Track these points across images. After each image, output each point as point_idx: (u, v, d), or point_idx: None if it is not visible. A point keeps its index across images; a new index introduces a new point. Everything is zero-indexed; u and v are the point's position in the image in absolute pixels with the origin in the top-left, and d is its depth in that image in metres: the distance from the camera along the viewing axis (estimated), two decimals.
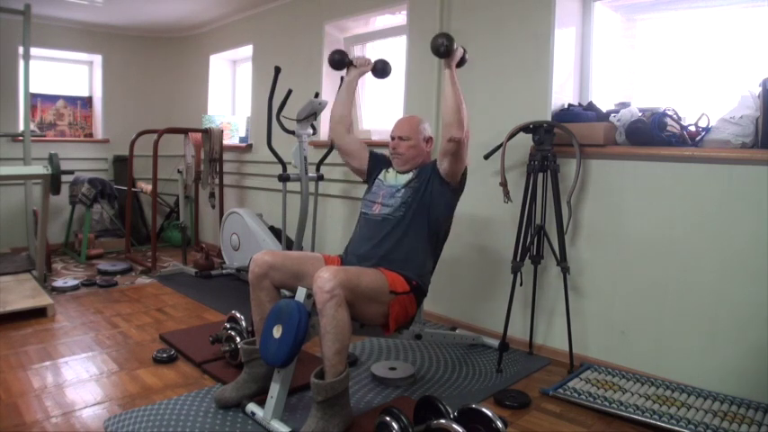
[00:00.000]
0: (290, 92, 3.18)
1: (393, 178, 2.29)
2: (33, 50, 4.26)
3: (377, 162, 2.39)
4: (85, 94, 5.43)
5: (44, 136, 4.98)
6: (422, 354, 2.64)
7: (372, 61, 2.47)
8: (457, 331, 2.73)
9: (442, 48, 2.03)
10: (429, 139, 2.31)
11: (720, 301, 2.16)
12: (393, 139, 2.29)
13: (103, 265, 4.26)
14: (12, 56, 4.62)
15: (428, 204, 2.16)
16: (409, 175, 2.24)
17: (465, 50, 2.16)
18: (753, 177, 2.07)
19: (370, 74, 2.52)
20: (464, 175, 2.21)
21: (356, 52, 3.90)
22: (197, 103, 5.25)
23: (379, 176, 2.34)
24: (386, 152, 2.39)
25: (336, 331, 1.76)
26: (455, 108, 2.05)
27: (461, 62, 2.17)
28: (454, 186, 2.19)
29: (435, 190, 2.17)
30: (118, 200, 4.84)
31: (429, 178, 2.19)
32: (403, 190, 2.19)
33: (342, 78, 3.49)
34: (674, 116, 2.34)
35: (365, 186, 2.45)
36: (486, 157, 2.63)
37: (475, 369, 2.47)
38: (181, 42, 5.45)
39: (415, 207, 2.15)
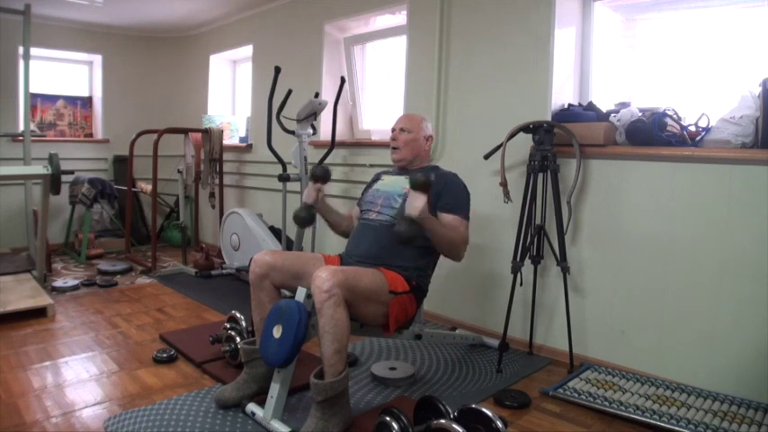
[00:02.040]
0: (289, 92, 3.19)
1: (388, 185, 2.29)
2: (33, 50, 4.27)
3: (367, 189, 2.41)
4: (85, 94, 5.43)
5: (44, 136, 4.98)
6: (422, 354, 2.64)
7: (316, 185, 2.23)
8: (457, 331, 2.73)
9: (405, 235, 1.86)
10: (429, 138, 2.33)
11: (720, 301, 2.16)
12: (393, 131, 2.31)
13: (103, 265, 4.26)
14: (12, 56, 4.62)
15: (415, 235, 2.14)
16: (406, 184, 2.22)
17: (424, 177, 1.91)
18: (753, 177, 2.07)
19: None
20: None
21: (356, 52, 3.90)
22: (197, 103, 5.25)
23: (374, 186, 2.36)
24: (387, 152, 2.39)
25: (335, 331, 1.76)
26: (447, 251, 2.11)
27: (425, 185, 1.91)
28: None
29: (432, 214, 2.16)
30: (118, 200, 4.85)
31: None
32: (400, 200, 2.19)
33: (342, 78, 3.52)
34: (674, 116, 2.34)
35: (364, 187, 2.47)
36: (486, 157, 2.63)
37: (475, 369, 2.47)
38: (181, 42, 5.45)
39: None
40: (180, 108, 5.42)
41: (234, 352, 2.35)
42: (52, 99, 5.20)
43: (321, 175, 2.22)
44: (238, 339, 2.34)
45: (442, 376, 2.39)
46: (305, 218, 2.20)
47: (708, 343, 2.20)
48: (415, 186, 1.91)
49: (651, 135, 2.28)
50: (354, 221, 2.39)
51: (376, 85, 3.90)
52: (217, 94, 5.19)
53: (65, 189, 4.33)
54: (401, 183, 2.25)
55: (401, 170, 2.33)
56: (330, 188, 3.75)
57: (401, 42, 3.40)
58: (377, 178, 2.43)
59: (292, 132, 3.24)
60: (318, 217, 2.32)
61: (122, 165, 5.15)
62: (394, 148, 2.30)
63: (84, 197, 4.56)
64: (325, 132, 3.74)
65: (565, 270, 2.43)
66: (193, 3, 4.39)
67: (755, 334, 2.08)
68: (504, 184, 2.56)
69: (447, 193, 2.16)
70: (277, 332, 1.83)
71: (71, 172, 3.47)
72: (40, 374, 2.32)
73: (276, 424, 1.84)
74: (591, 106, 2.63)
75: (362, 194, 2.43)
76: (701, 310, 2.21)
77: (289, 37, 4.13)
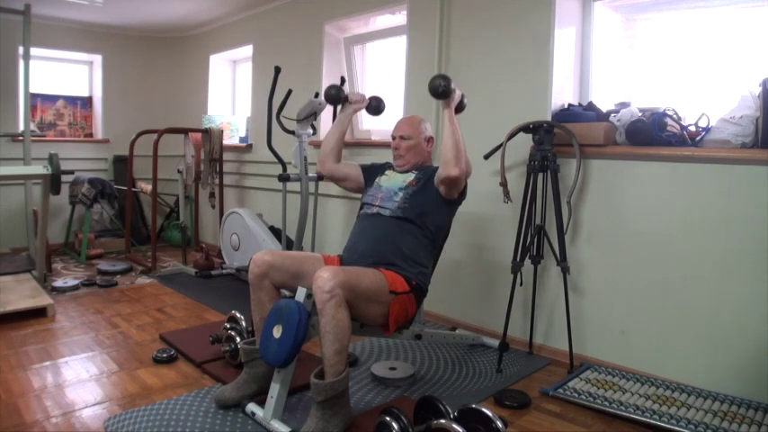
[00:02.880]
0: (290, 92, 3.18)
1: (391, 181, 2.29)
2: (33, 50, 4.26)
3: (372, 172, 2.41)
4: (85, 94, 5.43)
5: (44, 136, 4.98)
6: (422, 354, 2.64)
7: (367, 98, 2.53)
8: (457, 331, 2.73)
9: (440, 88, 2.06)
10: (430, 139, 2.33)
11: (720, 300, 2.16)
12: (394, 138, 2.31)
13: (103, 265, 4.26)
14: (12, 56, 4.62)
15: (426, 212, 2.16)
16: (409, 178, 2.24)
17: (463, 95, 2.19)
18: (753, 177, 2.07)
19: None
20: (464, 188, 2.22)
21: (356, 52, 3.90)
22: (197, 103, 5.25)
23: (375, 180, 2.36)
24: (387, 152, 2.39)
25: (336, 331, 1.76)
26: (453, 148, 2.08)
27: (460, 107, 2.20)
28: (452, 200, 2.21)
29: (433, 202, 2.17)
30: (118, 200, 4.85)
31: (427, 187, 2.18)
32: (401, 194, 2.19)
33: (342, 78, 3.52)
34: (674, 116, 2.34)
35: (372, 163, 2.48)
36: (486, 157, 2.63)
37: (475, 369, 2.47)
38: (181, 42, 5.45)
39: (414, 212, 2.15)
40: (180, 108, 5.42)
41: (234, 352, 2.35)
42: (52, 99, 5.20)
43: (375, 104, 2.54)
44: (238, 339, 2.34)
45: (442, 376, 2.39)
46: (335, 95, 2.47)
47: (708, 343, 2.20)
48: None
49: (651, 135, 2.28)
50: (343, 167, 2.45)
51: (376, 85, 3.90)
52: (217, 94, 5.19)
53: (65, 189, 4.33)
54: (402, 178, 2.26)
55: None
56: (330, 188, 3.75)
57: (401, 42, 3.40)
58: (383, 170, 2.39)
59: (292, 132, 3.24)
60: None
61: (122, 165, 5.15)
62: (397, 155, 2.30)
63: (84, 197, 4.56)
64: (325, 132, 3.73)
65: (565, 270, 2.43)
66: (193, 3, 4.38)
67: (755, 334, 2.08)
68: (504, 184, 2.56)
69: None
70: (277, 332, 1.83)
71: (71, 172, 3.47)
72: (40, 374, 2.32)
73: (276, 424, 1.84)
74: (591, 106, 2.63)
75: (368, 172, 2.41)
76: (702, 309, 2.21)
77: (289, 37, 4.13)
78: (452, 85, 2.07)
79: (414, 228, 2.14)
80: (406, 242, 2.12)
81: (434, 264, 2.29)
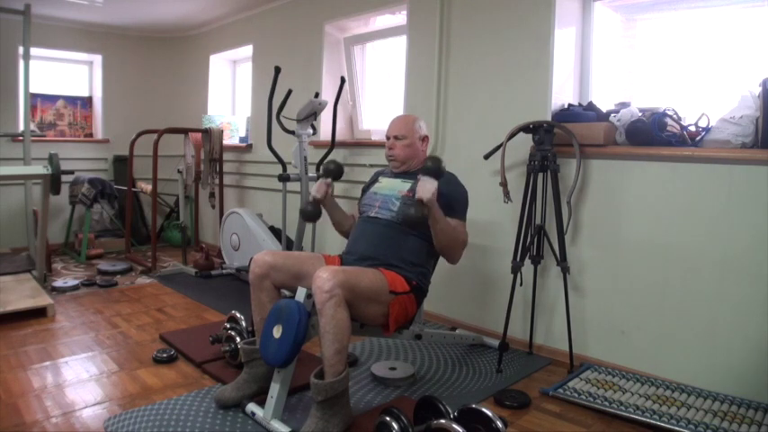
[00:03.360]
0: (290, 92, 3.19)
1: (386, 188, 2.29)
2: (33, 50, 4.26)
3: (364, 191, 2.42)
4: (85, 94, 5.43)
5: (44, 136, 4.98)
6: (422, 354, 2.64)
7: (326, 179, 2.25)
8: (457, 331, 2.73)
9: (413, 218, 1.91)
10: (425, 138, 2.32)
11: (720, 301, 2.16)
12: (388, 138, 2.30)
13: (103, 265, 4.26)
14: (12, 56, 4.62)
15: (424, 222, 2.14)
16: (404, 188, 2.22)
17: (439, 166, 1.94)
18: (753, 177, 2.07)
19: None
20: None
21: (356, 52, 3.90)
22: (197, 103, 5.25)
23: (371, 188, 2.36)
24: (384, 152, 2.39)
25: (336, 331, 1.76)
26: (445, 247, 2.08)
27: (440, 176, 1.96)
28: None
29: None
30: (118, 200, 4.85)
31: None
32: (398, 203, 2.19)
33: (342, 78, 3.52)
34: (674, 116, 2.34)
35: (363, 187, 2.48)
36: (486, 157, 2.63)
37: (475, 369, 2.47)
38: (181, 42, 5.45)
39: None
40: (180, 108, 5.42)
41: (234, 352, 2.35)
42: (52, 99, 5.20)
43: (334, 170, 2.26)
44: (238, 339, 2.34)
45: (442, 376, 2.39)
46: (312, 212, 2.23)
47: (708, 343, 2.20)
48: (427, 172, 1.95)
49: (651, 135, 2.28)
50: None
51: (376, 85, 3.90)
52: (217, 94, 5.19)
53: (65, 189, 4.33)
54: (398, 186, 2.25)
55: (398, 173, 2.33)
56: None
57: (401, 42, 3.40)
58: (375, 180, 2.42)
59: (292, 132, 3.24)
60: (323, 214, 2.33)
61: (122, 165, 5.15)
62: (392, 157, 2.30)
63: (84, 197, 4.56)
64: (325, 132, 3.74)
65: (565, 270, 2.43)
66: (193, 3, 4.38)
67: (755, 334, 2.08)
68: (504, 184, 2.56)
69: (448, 194, 2.15)
70: (277, 332, 1.83)
71: (71, 172, 3.47)
72: (40, 374, 2.32)
73: (276, 424, 1.84)
74: (591, 106, 2.63)
75: (361, 195, 2.43)
76: (701, 309, 2.21)
77: (289, 37, 4.13)
78: (423, 210, 1.90)
79: (413, 232, 2.14)
80: (405, 243, 2.12)
81: (434, 264, 2.29)
